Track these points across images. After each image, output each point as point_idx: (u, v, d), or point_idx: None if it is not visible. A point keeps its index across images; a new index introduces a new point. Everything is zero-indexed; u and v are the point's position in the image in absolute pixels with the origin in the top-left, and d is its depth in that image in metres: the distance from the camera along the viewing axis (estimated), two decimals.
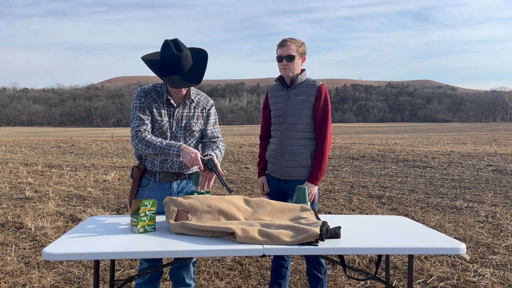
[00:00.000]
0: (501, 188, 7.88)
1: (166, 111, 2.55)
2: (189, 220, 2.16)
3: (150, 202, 2.17)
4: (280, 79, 3.02)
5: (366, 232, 2.23)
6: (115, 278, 2.67)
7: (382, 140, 21.16)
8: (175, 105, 2.56)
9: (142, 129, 2.48)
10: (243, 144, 17.71)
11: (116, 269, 3.73)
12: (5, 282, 3.46)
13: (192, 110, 2.62)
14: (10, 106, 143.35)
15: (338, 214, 5.84)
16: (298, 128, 2.91)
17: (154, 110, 2.53)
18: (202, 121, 2.66)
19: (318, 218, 2.31)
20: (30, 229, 5.00)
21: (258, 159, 3.22)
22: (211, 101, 2.74)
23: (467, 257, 4.07)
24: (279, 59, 2.90)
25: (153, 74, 2.49)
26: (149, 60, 2.46)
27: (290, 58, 2.86)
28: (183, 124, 2.59)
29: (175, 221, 2.17)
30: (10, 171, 9.98)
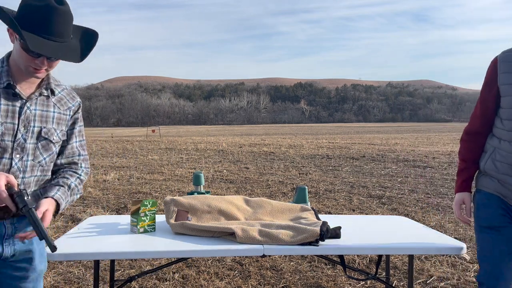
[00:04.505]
0: None
1: (7, 106, 1.49)
2: (189, 220, 2.16)
3: (150, 202, 2.18)
4: None
5: (366, 232, 2.23)
6: (115, 278, 2.67)
7: (382, 140, 21.16)
8: (23, 96, 1.52)
9: None
10: (243, 144, 17.71)
11: (116, 269, 3.72)
12: None
13: (51, 108, 1.61)
14: None
15: (338, 214, 5.84)
16: None
17: None
18: (64, 128, 1.65)
19: (318, 218, 2.31)
20: None
21: (461, 165, 2.05)
22: (78, 99, 1.74)
23: (467, 257, 4.07)
24: None
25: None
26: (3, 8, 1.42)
27: None
28: (34, 129, 1.55)
29: (175, 221, 2.18)
30: None
